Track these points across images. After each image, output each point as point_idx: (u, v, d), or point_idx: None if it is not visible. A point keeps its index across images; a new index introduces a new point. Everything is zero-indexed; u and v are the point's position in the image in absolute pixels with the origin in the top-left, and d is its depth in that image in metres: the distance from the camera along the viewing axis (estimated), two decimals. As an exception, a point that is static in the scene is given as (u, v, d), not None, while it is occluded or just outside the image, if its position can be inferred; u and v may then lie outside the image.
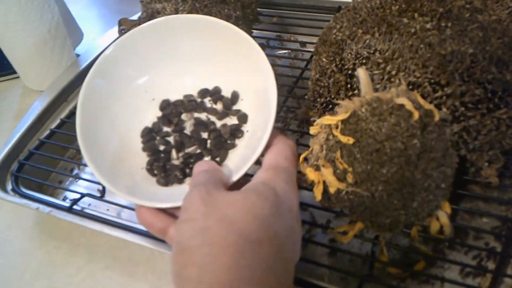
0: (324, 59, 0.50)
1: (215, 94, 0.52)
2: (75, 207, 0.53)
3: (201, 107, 0.52)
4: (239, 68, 0.50)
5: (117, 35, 0.75)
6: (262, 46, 0.78)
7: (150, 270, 0.50)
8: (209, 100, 0.52)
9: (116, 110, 0.49)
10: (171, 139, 0.50)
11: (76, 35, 0.89)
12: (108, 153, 0.46)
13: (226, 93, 0.52)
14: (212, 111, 0.51)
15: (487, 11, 0.46)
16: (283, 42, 0.80)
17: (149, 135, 0.50)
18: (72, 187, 0.62)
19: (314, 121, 0.52)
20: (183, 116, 0.51)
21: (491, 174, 0.43)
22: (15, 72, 0.83)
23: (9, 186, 0.58)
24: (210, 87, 0.52)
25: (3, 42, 0.76)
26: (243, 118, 0.49)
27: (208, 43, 0.51)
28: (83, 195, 0.55)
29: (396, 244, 0.47)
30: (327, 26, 0.53)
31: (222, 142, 0.49)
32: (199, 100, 0.52)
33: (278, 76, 0.66)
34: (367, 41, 0.47)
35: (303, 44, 0.76)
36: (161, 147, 0.49)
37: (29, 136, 0.65)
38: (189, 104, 0.51)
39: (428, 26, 0.46)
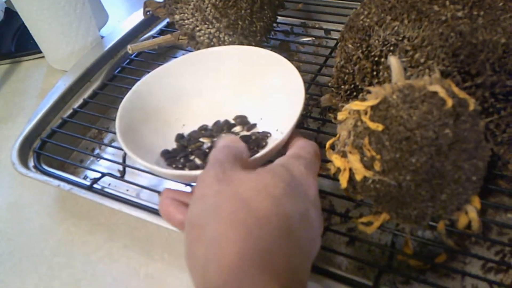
0: (350, 45, 0.49)
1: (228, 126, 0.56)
2: (95, 186, 0.53)
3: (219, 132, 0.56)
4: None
5: (142, 17, 0.76)
6: (286, 32, 0.77)
7: (167, 250, 0.50)
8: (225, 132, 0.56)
9: (148, 127, 0.54)
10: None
11: (101, 16, 0.89)
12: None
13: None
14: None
15: (521, 0, 0.45)
16: (307, 29, 0.79)
17: (170, 157, 0.53)
18: (93, 167, 0.63)
19: (336, 109, 0.52)
20: (202, 139, 0.55)
21: (518, 169, 0.42)
22: (40, 52, 0.84)
23: (31, 163, 0.59)
24: (232, 115, 0.57)
25: (30, 21, 0.76)
26: (265, 134, 0.54)
27: (234, 68, 0.57)
28: (103, 174, 0.55)
29: (416, 236, 0.46)
30: (354, 12, 0.52)
31: (250, 142, 0.51)
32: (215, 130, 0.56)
33: (301, 63, 0.66)
34: (396, 28, 0.46)
35: (328, 31, 0.75)
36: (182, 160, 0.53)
37: (52, 114, 0.65)
38: (206, 132, 0.56)
39: (459, 14, 0.45)
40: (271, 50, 0.57)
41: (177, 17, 0.65)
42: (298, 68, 0.52)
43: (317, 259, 0.42)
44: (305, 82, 0.51)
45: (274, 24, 0.71)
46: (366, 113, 0.36)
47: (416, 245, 0.46)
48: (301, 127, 0.58)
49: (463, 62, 0.41)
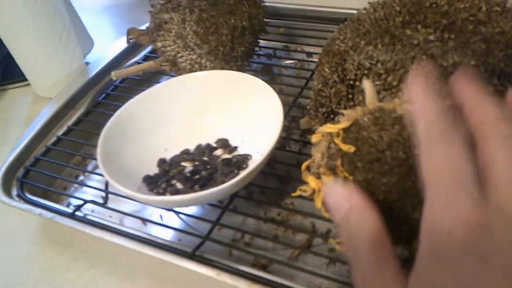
0: (326, 70, 0.50)
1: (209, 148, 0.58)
2: (77, 213, 0.53)
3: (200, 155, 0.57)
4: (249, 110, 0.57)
5: (126, 44, 0.77)
6: (269, 56, 0.78)
7: (150, 277, 0.50)
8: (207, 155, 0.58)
9: (130, 153, 0.55)
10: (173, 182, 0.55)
11: (86, 43, 0.90)
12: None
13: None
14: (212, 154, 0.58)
15: (490, 23, 0.46)
16: (290, 52, 0.80)
17: (152, 182, 0.54)
18: (77, 194, 0.63)
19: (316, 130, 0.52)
20: (183, 163, 0.56)
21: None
22: (26, 80, 0.84)
23: (15, 192, 0.59)
24: (214, 139, 0.58)
25: (15, 49, 0.77)
26: (245, 156, 0.55)
27: (215, 92, 0.59)
28: (85, 202, 0.55)
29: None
30: (331, 37, 0.53)
31: (231, 165, 0.52)
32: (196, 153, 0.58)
33: (283, 86, 0.68)
34: (370, 52, 0.47)
35: (310, 54, 0.76)
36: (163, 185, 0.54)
37: (36, 142, 0.65)
38: (188, 156, 0.57)
39: (431, 37, 0.46)
40: (254, 74, 0.58)
41: (159, 44, 0.66)
42: (281, 90, 0.53)
43: (297, 281, 0.43)
44: (287, 104, 0.52)
45: (257, 48, 0.72)
46: (338, 135, 0.37)
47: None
48: (282, 149, 0.58)
49: (434, 84, 0.42)
